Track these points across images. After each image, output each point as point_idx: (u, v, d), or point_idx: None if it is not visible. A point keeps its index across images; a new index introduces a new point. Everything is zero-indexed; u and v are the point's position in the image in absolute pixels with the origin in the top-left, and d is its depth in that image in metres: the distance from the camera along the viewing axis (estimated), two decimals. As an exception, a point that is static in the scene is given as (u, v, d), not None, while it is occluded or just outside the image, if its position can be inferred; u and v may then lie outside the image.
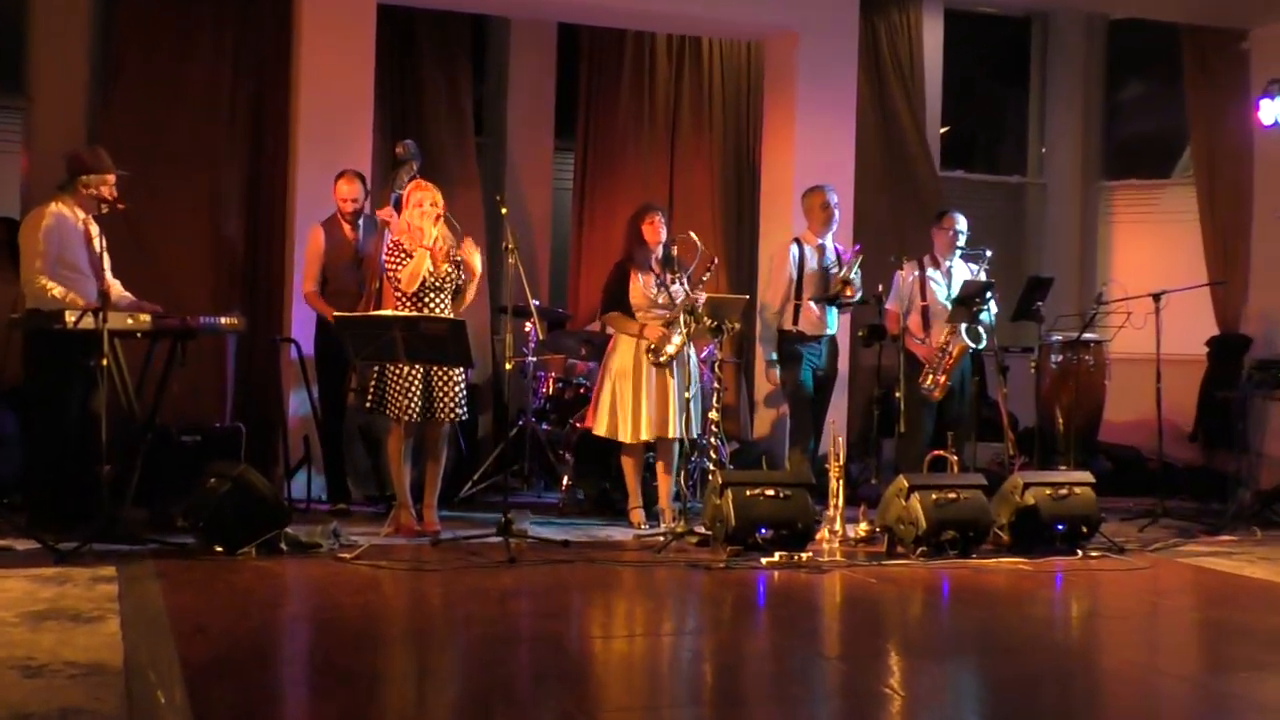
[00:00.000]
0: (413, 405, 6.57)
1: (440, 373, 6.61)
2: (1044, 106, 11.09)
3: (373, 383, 6.64)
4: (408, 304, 6.65)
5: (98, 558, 5.74)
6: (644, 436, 7.12)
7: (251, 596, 5.24)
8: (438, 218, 6.61)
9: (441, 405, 6.64)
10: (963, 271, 7.92)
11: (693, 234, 7.06)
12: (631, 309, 7.21)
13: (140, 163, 7.60)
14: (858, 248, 7.81)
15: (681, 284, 7.11)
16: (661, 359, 7.05)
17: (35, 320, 6.26)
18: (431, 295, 6.69)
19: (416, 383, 6.59)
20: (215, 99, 8.27)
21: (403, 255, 6.65)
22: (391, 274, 6.68)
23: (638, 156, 9.60)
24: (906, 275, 7.96)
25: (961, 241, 7.89)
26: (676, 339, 7.03)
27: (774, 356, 7.75)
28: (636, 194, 9.29)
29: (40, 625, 4.60)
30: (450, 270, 6.71)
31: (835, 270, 7.80)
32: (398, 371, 6.57)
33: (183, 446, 7.17)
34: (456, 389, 6.65)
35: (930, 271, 7.93)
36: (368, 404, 6.66)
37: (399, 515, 6.72)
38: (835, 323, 7.90)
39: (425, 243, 6.58)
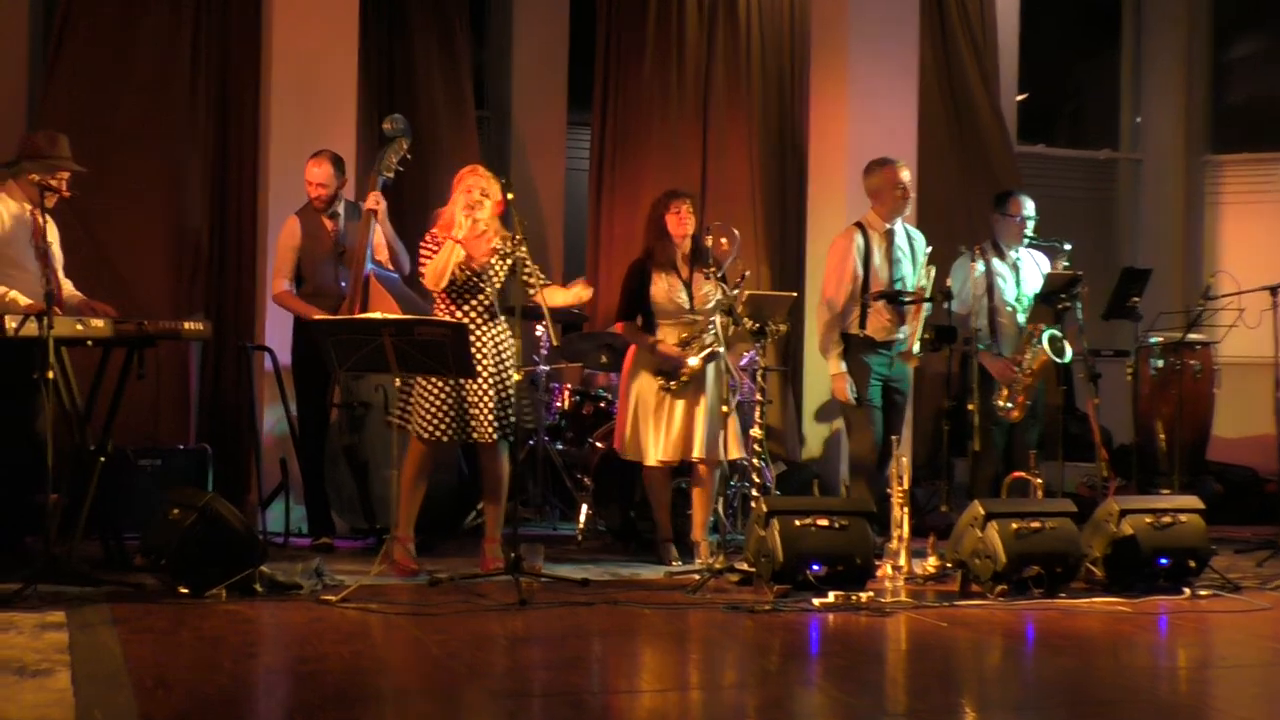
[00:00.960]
0: (443, 422, 6.61)
1: (492, 382, 6.64)
2: (1138, 69, 11.07)
3: (402, 393, 6.69)
4: (448, 307, 6.70)
5: (44, 601, 5.75)
6: (674, 458, 7.11)
7: (221, 646, 5.25)
8: (469, 205, 6.62)
9: (484, 420, 6.65)
10: (1031, 265, 7.87)
11: (735, 232, 7.03)
12: (653, 315, 7.21)
13: (89, 145, 7.63)
14: (928, 251, 7.72)
15: (715, 283, 7.08)
16: (673, 384, 7.05)
17: (-30, 326, 6.29)
18: (468, 297, 6.72)
19: (448, 395, 6.63)
20: (174, 70, 8.31)
21: (435, 250, 6.70)
22: (420, 270, 6.75)
23: (664, 132, 9.61)
24: (965, 270, 7.90)
25: (1030, 229, 7.82)
26: (693, 360, 7.03)
27: (844, 367, 7.60)
28: (664, 175, 9.31)
29: (-21, 680, 4.62)
30: (497, 266, 6.73)
31: (905, 270, 7.70)
32: (426, 380, 6.61)
33: (141, 472, 7.21)
34: (508, 397, 6.65)
35: (995, 262, 7.85)
36: (397, 418, 6.70)
37: (393, 549, 6.74)
38: (907, 328, 7.79)
39: (455, 234, 6.62)
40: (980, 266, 7.77)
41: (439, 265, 6.66)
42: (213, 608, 5.82)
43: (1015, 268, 7.85)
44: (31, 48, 8.45)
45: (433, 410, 6.64)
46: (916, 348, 7.58)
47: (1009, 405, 7.68)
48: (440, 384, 6.63)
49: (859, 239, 7.62)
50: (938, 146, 9.73)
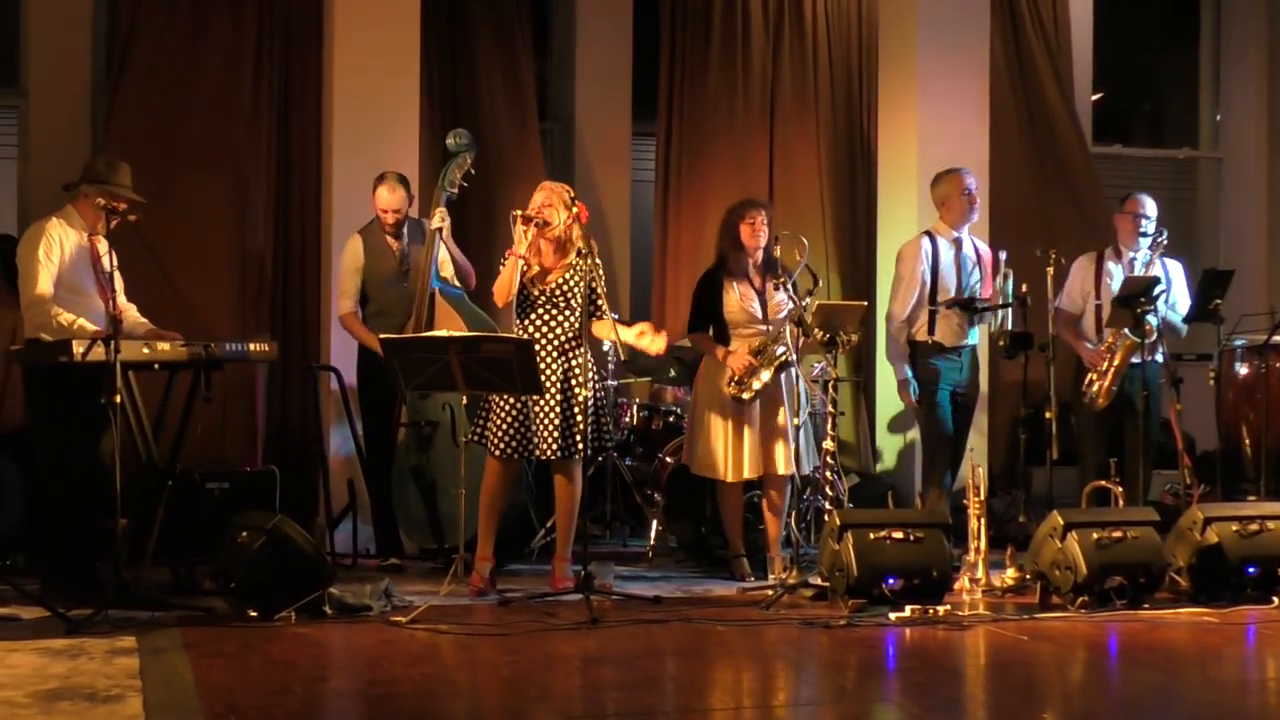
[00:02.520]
0: (511, 438, 6.67)
1: (550, 400, 6.69)
2: (1218, 65, 10.95)
3: (480, 410, 6.75)
4: (520, 323, 6.75)
5: (115, 626, 5.84)
6: (746, 474, 7.12)
7: (292, 669, 5.30)
8: (517, 218, 6.67)
9: (548, 438, 6.69)
10: (1155, 267, 7.85)
11: (804, 241, 7.03)
12: (726, 326, 7.22)
13: (153, 168, 7.78)
14: (1004, 256, 7.70)
15: (786, 292, 7.09)
16: (745, 395, 7.06)
17: (37, 352, 6.39)
18: (540, 312, 6.77)
19: (517, 412, 6.68)
20: (236, 92, 8.41)
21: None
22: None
23: (731, 141, 9.62)
24: (1081, 270, 7.92)
25: (1149, 229, 7.82)
26: (766, 373, 7.04)
27: (909, 373, 7.67)
28: (730, 185, 9.31)
29: (53, 706, 4.69)
30: (572, 279, 6.75)
31: (974, 275, 7.72)
32: (503, 400, 6.68)
33: (209, 495, 7.27)
34: (585, 417, 6.68)
35: (1109, 264, 7.89)
36: (473, 435, 6.76)
37: (477, 567, 6.80)
38: (977, 332, 7.83)
39: (517, 249, 6.67)
40: (1091, 267, 7.86)
41: (502, 282, 6.72)
42: (282, 631, 5.88)
43: (1131, 268, 7.85)
44: (94, 72, 8.58)
45: (502, 427, 6.70)
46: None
47: (1097, 394, 7.69)
48: (510, 401, 6.68)
49: (926, 246, 7.72)
50: (1011, 150, 9.68)
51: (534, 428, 6.70)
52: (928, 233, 7.84)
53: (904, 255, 7.87)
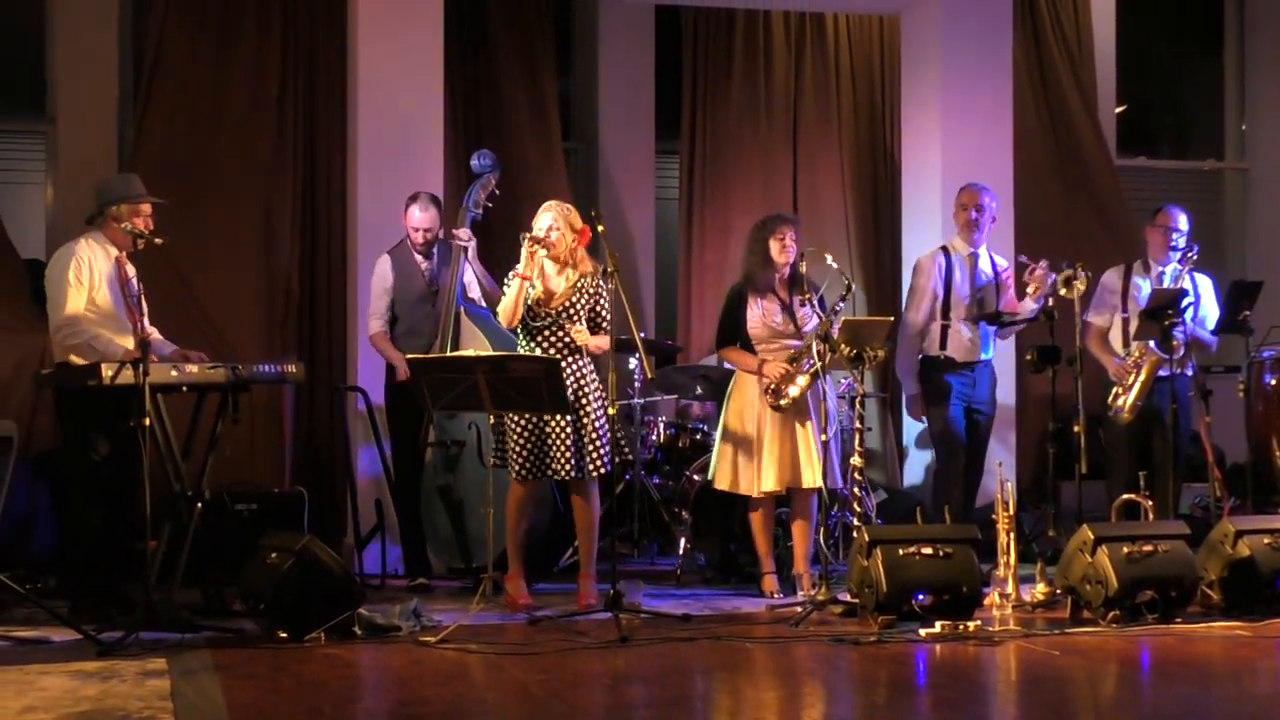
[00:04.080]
0: (528, 460, 6.70)
1: (588, 417, 6.73)
2: (1243, 74, 10.92)
3: (498, 434, 6.79)
4: (530, 346, 6.78)
5: (145, 648, 5.85)
6: (773, 488, 7.12)
7: (322, 691, 5.30)
8: (527, 238, 6.69)
9: (561, 458, 6.73)
10: (1184, 281, 7.83)
11: (827, 258, 7.03)
12: (751, 340, 7.23)
13: (179, 189, 7.83)
14: (1037, 267, 7.67)
15: (812, 308, 7.10)
16: (783, 401, 7.05)
17: (66, 376, 6.44)
18: (547, 333, 6.79)
19: (531, 434, 6.71)
20: (262, 115, 8.47)
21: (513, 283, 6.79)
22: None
23: (754, 157, 9.64)
24: (1109, 282, 7.91)
25: (1180, 242, 7.80)
26: (801, 379, 7.03)
27: (918, 389, 7.69)
28: (754, 201, 9.33)
29: (83, 728, 4.71)
30: (579, 301, 6.79)
31: (990, 292, 7.71)
32: (518, 420, 6.70)
33: (237, 516, 7.30)
34: (598, 435, 6.74)
35: (1137, 278, 7.87)
36: (495, 459, 6.78)
37: (507, 586, 6.83)
38: (992, 346, 7.83)
39: (521, 269, 6.70)
40: (1120, 279, 7.89)
41: (507, 303, 6.74)
42: (312, 651, 5.88)
43: (1160, 281, 7.85)
44: (121, 98, 8.64)
45: (518, 448, 6.72)
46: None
47: (1122, 407, 7.68)
48: (523, 422, 6.69)
49: (941, 260, 7.78)
50: (1035, 162, 9.67)
51: (549, 448, 6.72)
52: (944, 248, 7.93)
53: (918, 267, 7.97)
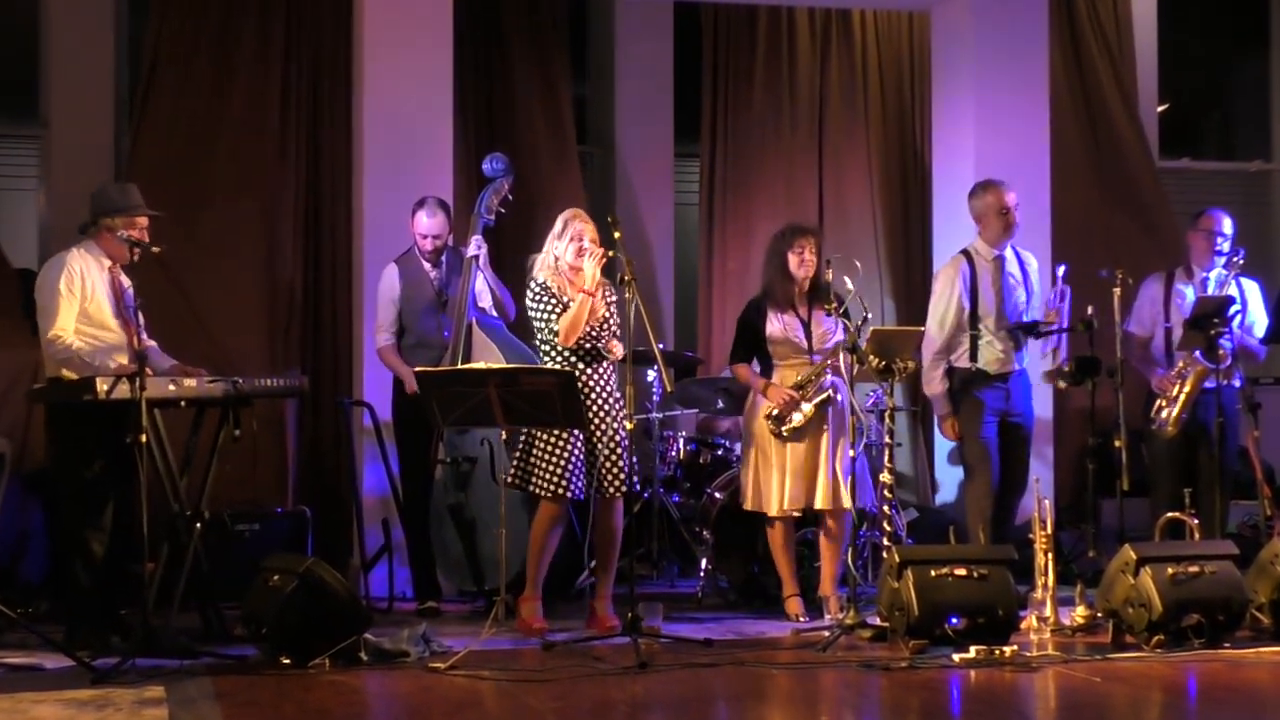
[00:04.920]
0: (569, 476, 6.70)
1: (604, 433, 6.75)
2: (1290, 73, 10.90)
3: (518, 452, 6.77)
4: (574, 360, 6.81)
5: (143, 676, 5.84)
6: (788, 507, 7.11)
7: (328, 719, 5.31)
8: (603, 257, 6.73)
9: (611, 475, 6.77)
10: (1229, 287, 7.79)
11: (857, 264, 7.02)
12: (770, 355, 7.23)
13: (177, 196, 7.85)
14: (1062, 271, 7.66)
15: (838, 319, 7.08)
16: (784, 429, 7.06)
17: (59, 391, 6.44)
18: (587, 348, 6.85)
19: (576, 449, 6.71)
20: (264, 119, 8.49)
21: (551, 301, 6.79)
22: (543, 326, 6.84)
23: (778, 161, 9.64)
24: (1151, 290, 7.91)
25: (1224, 247, 7.77)
26: (806, 407, 7.04)
27: (950, 406, 7.62)
28: (778, 207, 9.32)
29: (77, 759, 4.72)
30: (607, 315, 6.87)
31: (1019, 296, 7.67)
32: (547, 437, 6.70)
33: (238, 537, 7.31)
34: (621, 453, 6.78)
35: (1180, 285, 7.85)
36: (511, 479, 6.79)
37: (521, 608, 6.83)
38: (1026, 355, 7.76)
39: (587, 286, 6.73)
40: (1160, 287, 7.86)
41: (575, 322, 6.76)
42: (317, 678, 5.88)
43: (1203, 287, 7.81)
44: (117, 101, 8.66)
45: (561, 465, 6.71)
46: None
47: (1165, 420, 7.66)
48: (565, 436, 6.69)
49: (964, 267, 7.65)
50: (1073, 164, 9.64)
51: (599, 463, 6.76)
52: (965, 252, 7.75)
53: (939, 278, 7.83)
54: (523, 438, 6.78)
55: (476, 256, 7.47)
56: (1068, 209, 9.29)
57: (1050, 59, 9.24)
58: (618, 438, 6.80)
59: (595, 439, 6.79)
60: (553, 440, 6.73)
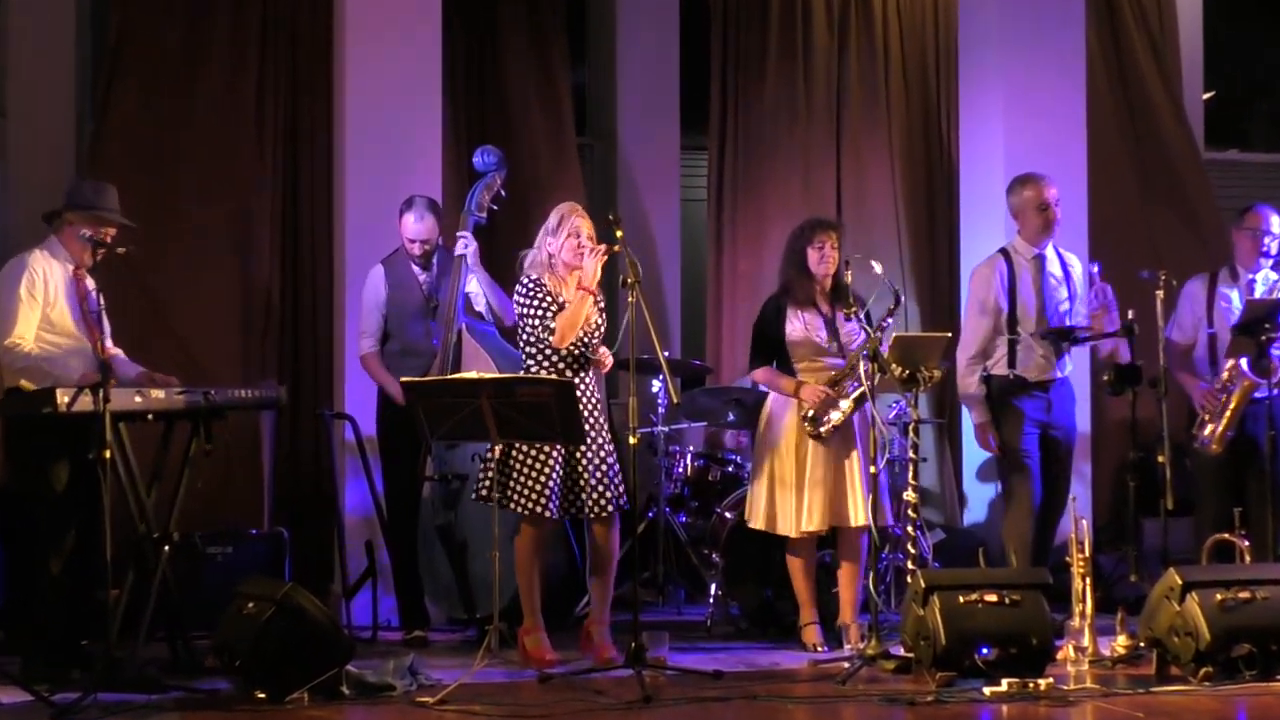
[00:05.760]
0: (547, 494, 6.67)
1: (587, 447, 6.73)
2: (1346, 58, 10.90)
3: (494, 461, 6.72)
4: (560, 366, 6.78)
5: (106, 711, 5.82)
6: (814, 526, 7.08)
7: (305, 757, 5.30)
8: (605, 253, 6.71)
9: (597, 493, 6.75)
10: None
11: (875, 265, 7.00)
12: (790, 359, 7.20)
13: (145, 191, 7.83)
14: (1096, 269, 7.65)
15: (859, 323, 7.07)
16: (823, 429, 7.04)
17: (17, 403, 6.41)
18: (576, 355, 6.83)
19: (554, 463, 6.68)
20: (238, 109, 8.47)
21: (546, 299, 6.76)
22: (534, 325, 6.80)
23: (792, 154, 9.62)
24: (1193, 293, 7.90)
25: (1272, 246, 7.76)
26: (844, 405, 7.01)
27: (988, 415, 7.62)
28: (793, 203, 9.31)
29: (34, 802, 4.70)
30: (599, 322, 6.87)
31: (1061, 297, 7.66)
32: (523, 448, 6.66)
33: (210, 561, 7.29)
34: (606, 469, 6.77)
35: (1224, 288, 7.82)
36: (482, 490, 6.76)
37: (525, 641, 6.82)
38: (1069, 363, 7.76)
39: (588, 284, 6.71)
40: (1203, 291, 7.86)
41: (574, 320, 6.72)
42: (294, 714, 5.86)
43: (1251, 290, 7.80)
44: (80, 89, 8.64)
45: (538, 482, 6.68)
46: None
47: (1209, 438, 7.65)
48: (545, 451, 6.66)
49: (1001, 267, 7.66)
50: (1111, 156, 9.63)
51: (580, 482, 6.73)
52: (1003, 251, 7.78)
53: (974, 278, 7.84)
54: (500, 446, 6.73)
55: (464, 256, 7.44)
56: (1105, 205, 9.30)
57: (1086, 44, 9.22)
58: (602, 453, 6.77)
59: (578, 454, 6.75)
60: (532, 453, 6.69)
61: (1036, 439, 7.60)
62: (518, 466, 6.73)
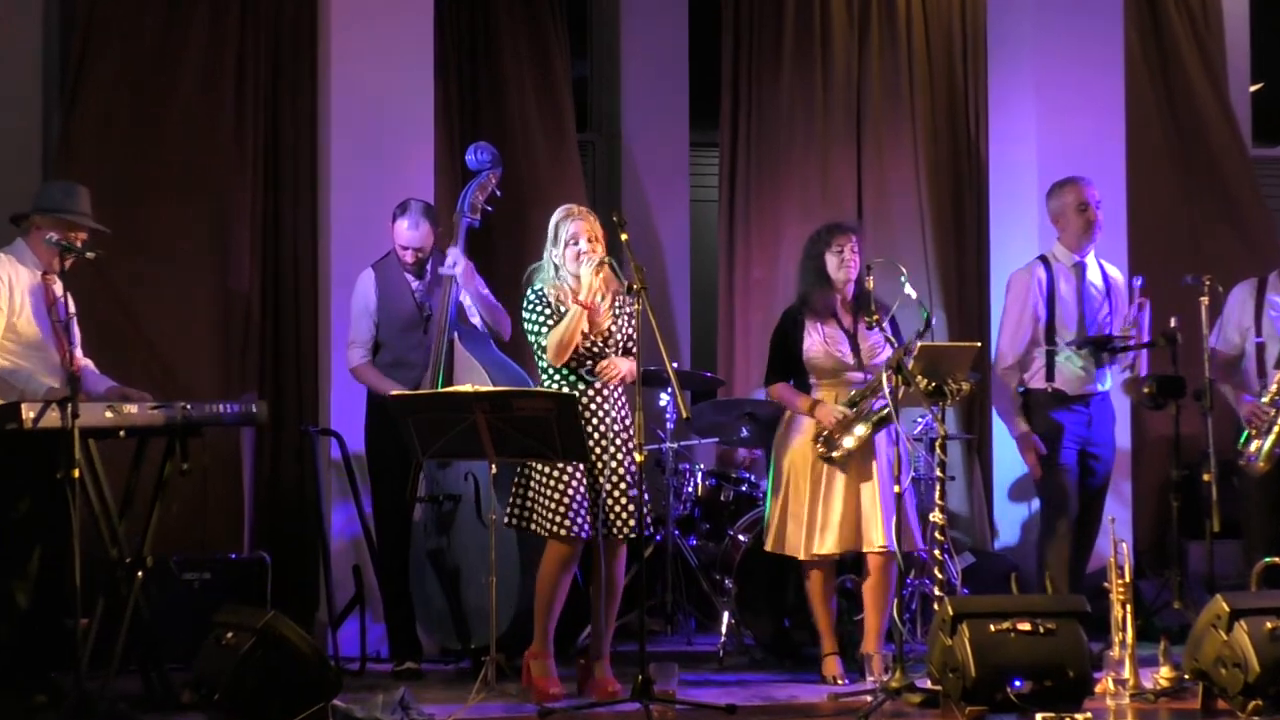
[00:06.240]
0: (573, 512, 6.67)
1: (606, 464, 6.73)
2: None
3: (514, 485, 6.75)
4: (573, 379, 6.78)
5: (74, 749, 5.85)
6: (827, 549, 7.08)
7: (288, 798, 5.29)
8: (601, 264, 6.70)
9: (628, 512, 6.75)
10: None
11: (902, 278, 6.99)
12: (807, 373, 7.20)
13: (116, 197, 7.81)
14: (1139, 283, 7.65)
15: (883, 333, 7.07)
16: (835, 454, 7.04)
17: (-21, 418, 6.43)
18: (589, 366, 6.81)
19: (578, 482, 6.68)
20: (216, 105, 8.44)
21: (546, 312, 6.77)
22: (532, 341, 6.83)
23: (810, 152, 9.61)
24: (1240, 299, 7.91)
25: None
26: (860, 429, 7.01)
27: (1028, 426, 7.63)
28: (810, 205, 9.31)
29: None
30: (619, 330, 6.83)
31: (1101, 309, 7.68)
32: (546, 469, 6.67)
33: (187, 588, 7.28)
34: (627, 488, 6.76)
35: (1273, 294, 7.84)
36: (509, 519, 6.78)
37: (531, 666, 6.81)
38: (1110, 376, 7.77)
39: (583, 297, 6.69)
40: (1251, 298, 7.86)
41: (565, 336, 6.69)
42: (277, 751, 5.87)
43: None
44: (46, 82, 8.64)
45: (562, 500, 6.68)
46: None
47: (1255, 455, 7.64)
48: (564, 467, 6.66)
49: (1040, 273, 7.72)
50: (1152, 155, 9.63)
51: (609, 500, 6.74)
52: (1043, 258, 7.86)
53: (1012, 285, 7.90)
54: (518, 469, 6.75)
55: (455, 276, 7.42)
56: (1146, 206, 9.30)
57: (1125, 33, 9.22)
58: (621, 470, 6.76)
59: (598, 471, 6.75)
60: (551, 472, 6.69)
61: (1075, 455, 7.62)
62: (536, 485, 6.73)
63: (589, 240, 6.76)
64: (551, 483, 6.71)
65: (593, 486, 6.75)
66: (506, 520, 6.80)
